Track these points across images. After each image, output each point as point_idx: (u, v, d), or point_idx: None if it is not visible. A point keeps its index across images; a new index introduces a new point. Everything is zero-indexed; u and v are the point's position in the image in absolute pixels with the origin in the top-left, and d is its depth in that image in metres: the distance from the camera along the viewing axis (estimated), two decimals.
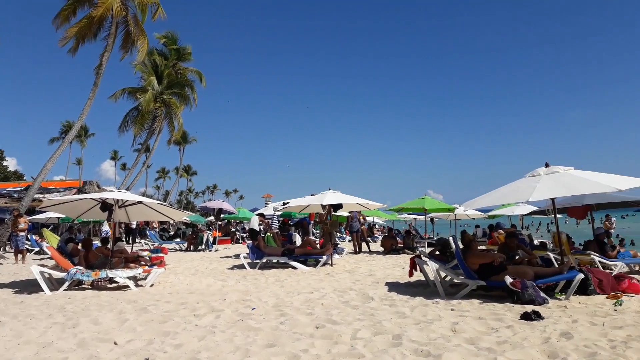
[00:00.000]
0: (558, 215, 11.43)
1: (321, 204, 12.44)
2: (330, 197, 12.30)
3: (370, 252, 15.86)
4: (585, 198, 11.08)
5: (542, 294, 6.15)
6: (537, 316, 5.12)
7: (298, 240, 13.98)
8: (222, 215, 22.30)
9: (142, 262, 9.13)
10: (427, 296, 6.68)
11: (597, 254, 9.68)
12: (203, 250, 18.35)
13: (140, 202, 9.59)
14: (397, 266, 11.15)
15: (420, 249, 14.32)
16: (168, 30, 31.76)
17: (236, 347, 4.17)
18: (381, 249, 16.15)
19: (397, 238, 17.87)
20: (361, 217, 17.43)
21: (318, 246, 12.74)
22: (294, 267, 10.55)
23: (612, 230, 18.93)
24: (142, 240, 21.83)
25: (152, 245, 19.59)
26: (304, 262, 10.97)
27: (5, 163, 54.70)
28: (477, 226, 21.75)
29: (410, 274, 8.13)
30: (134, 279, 8.44)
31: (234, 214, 23.75)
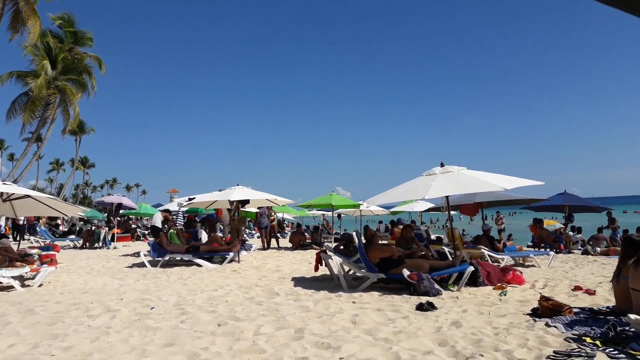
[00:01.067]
0: (453, 212, 12.27)
1: (229, 200, 12.25)
2: (238, 192, 12.15)
3: (279, 248, 15.92)
4: (476, 196, 12.00)
5: (437, 286, 6.57)
6: (430, 307, 5.46)
7: (204, 237, 13.63)
8: (121, 211, 21.11)
9: (30, 261, 8.40)
10: (331, 290, 6.85)
11: (486, 248, 10.53)
12: (100, 247, 17.24)
13: (28, 196, 8.81)
14: (305, 261, 11.30)
15: (326, 244, 14.62)
16: (64, 12, 29.33)
17: (132, 347, 3.98)
18: (290, 245, 16.27)
19: (306, 234, 18.12)
20: (273, 213, 17.43)
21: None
22: (199, 265, 10.28)
23: (503, 226, 20.67)
24: (32, 237, 20.02)
25: (43, 242, 18.06)
26: (210, 260, 10.73)
27: None
28: (380, 222, 22.73)
29: (316, 269, 8.29)
30: (20, 278, 7.75)
31: (135, 209, 22.61)
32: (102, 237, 17.48)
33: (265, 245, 15.36)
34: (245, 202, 12.92)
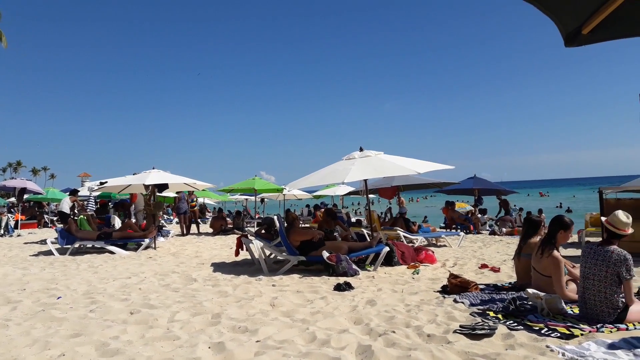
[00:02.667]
0: (372, 195, 12.61)
1: (144, 184, 11.72)
2: (154, 176, 11.65)
3: (199, 233, 15.54)
4: (393, 180, 12.44)
5: (354, 266, 6.75)
6: (348, 287, 5.60)
7: (117, 223, 12.97)
8: (25, 196, 19.51)
9: None
10: (251, 274, 6.80)
11: (402, 230, 10.96)
12: (2, 235, 15.87)
13: None
14: (225, 247, 11.13)
15: (247, 228, 14.49)
16: None
17: (34, 339, 3.70)
18: (211, 230, 15.94)
19: (228, 219, 17.84)
20: (194, 198, 16.94)
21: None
22: (112, 252, 9.78)
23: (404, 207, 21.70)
24: None
25: None
26: (124, 247, 10.25)
27: None
28: (307, 205, 22.89)
29: (237, 253, 8.20)
30: None
31: (41, 194, 21.01)
32: (3, 224, 16.09)
33: (185, 231, 14.93)
34: (163, 186, 12.44)
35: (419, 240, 10.68)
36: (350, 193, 19.93)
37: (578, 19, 2.13)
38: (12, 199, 23.61)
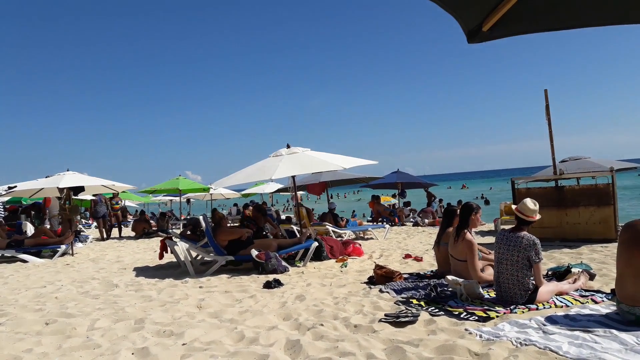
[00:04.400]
0: (301, 192, 12.67)
1: (58, 187, 11.00)
2: (69, 178, 10.97)
3: (121, 237, 14.83)
4: (321, 176, 12.60)
5: (284, 263, 6.77)
6: (277, 283, 5.60)
7: (30, 229, 12.09)
8: None
9: None
10: (177, 277, 6.61)
11: (331, 225, 11.13)
12: None
13: None
14: (149, 250, 10.72)
15: (172, 230, 14.05)
16: None
17: None
18: (133, 234, 15.27)
19: (152, 221, 17.18)
20: (119, 200, 16.10)
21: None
22: (24, 261, 9.09)
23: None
24: None
25: None
26: (38, 254, 9.56)
27: None
28: (235, 204, 22.55)
29: (161, 257, 7.93)
30: None
31: None
32: None
33: (104, 236, 14.18)
34: (79, 189, 11.75)
35: (347, 234, 10.91)
36: (279, 190, 19.91)
37: (478, 16, 2.27)
38: None
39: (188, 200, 24.43)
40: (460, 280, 4.50)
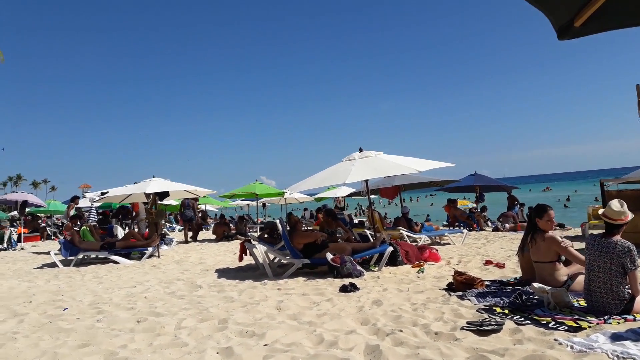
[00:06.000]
0: (373, 196, 12.60)
1: (145, 193, 11.72)
2: (155, 185, 11.65)
3: (202, 240, 15.53)
4: (394, 179, 12.44)
5: (359, 267, 6.75)
6: (353, 288, 5.60)
7: (120, 232, 12.98)
8: (27, 209, 19.52)
9: None
10: (256, 279, 6.80)
11: (405, 229, 10.96)
12: (5, 249, 15.87)
13: None
14: (229, 252, 11.12)
15: (250, 233, 14.48)
16: None
17: (42, 351, 3.71)
18: (213, 237, 15.92)
19: (231, 225, 17.83)
20: (197, 205, 16.93)
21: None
22: (116, 262, 9.78)
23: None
24: None
25: None
26: (127, 256, 10.24)
27: None
28: (305, 209, 22.86)
29: (240, 259, 8.19)
30: None
31: (42, 207, 21.02)
32: (6, 238, 16.10)
33: (189, 238, 14.91)
34: (164, 194, 12.44)
35: (423, 239, 10.69)
36: (351, 194, 19.94)
37: (569, 12, 2.14)
38: (14, 213, 23.62)
39: (264, 205, 25.11)
40: (548, 287, 4.25)
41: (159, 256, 10.57)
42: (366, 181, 8.60)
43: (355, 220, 14.64)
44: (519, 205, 17.42)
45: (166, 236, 14.16)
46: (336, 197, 23.04)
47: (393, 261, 7.43)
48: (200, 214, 16.77)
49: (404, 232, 10.64)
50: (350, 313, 4.46)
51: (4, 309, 5.47)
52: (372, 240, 8.74)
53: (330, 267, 6.81)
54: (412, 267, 7.28)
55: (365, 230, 11.35)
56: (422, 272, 6.76)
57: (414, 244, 9.10)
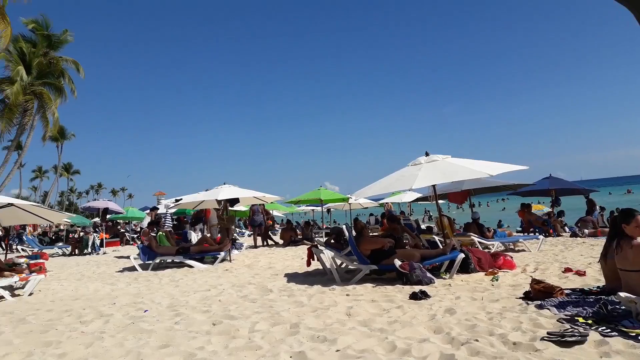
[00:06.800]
0: (441, 201, 12.32)
1: (216, 199, 12.18)
2: (226, 191, 12.08)
3: (270, 245, 15.87)
4: (463, 184, 12.08)
5: (429, 274, 6.61)
6: (424, 295, 5.50)
7: (194, 237, 13.55)
8: (108, 216, 20.88)
9: (18, 270, 8.26)
10: (324, 284, 6.85)
11: (476, 235, 10.61)
12: (89, 253, 17.05)
13: (11, 205, 8.67)
14: (297, 257, 11.29)
15: (317, 239, 14.62)
16: (40, 13, 28.82)
17: (127, 351, 3.95)
18: (281, 242, 16.23)
19: (297, 230, 18.09)
20: (264, 210, 17.36)
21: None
22: (190, 266, 10.22)
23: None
24: (19, 246, 19.72)
25: (31, 251, 17.82)
26: (201, 260, 10.67)
27: None
28: (371, 214, 22.75)
29: (308, 264, 8.29)
30: (10, 288, 7.61)
31: (122, 213, 22.39)
32: (90, 243, 17.30)
33: (262, 243, 15.30)
34: (234, 201, 12.86)
35: (495, 245, 10.30)
36: (418, 199, 19.59)
37: None
38: (96, 219, 25.33)
39: (328, 210, 25.26)
40: (636, 297, 3.96)
41: (230, 260, 10.92)
42: (434, 186, 8.42)
43: (423, 226, 14.35)
44: (599, 210, 16.36)
45: (236, 241, 14.62)
46: (386, 203, 22.75)
47: (464, 268, 7.21)
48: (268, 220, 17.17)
49: (476, 239, 10.30)
50: (422, 321, 4.39)
51: (91, 310, 5.88)
52: (441, 246, 8.54)
53: (398, 274, 6.73)
54: (486, 274, 7.04)
55: (434, 236, 11.10)
56: (497, 280, 6.52)
57: (486, 250, 8.79)
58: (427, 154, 8.14)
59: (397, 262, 6.63)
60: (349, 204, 21.39)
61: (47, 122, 29.00)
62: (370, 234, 9.31)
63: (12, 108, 26.28)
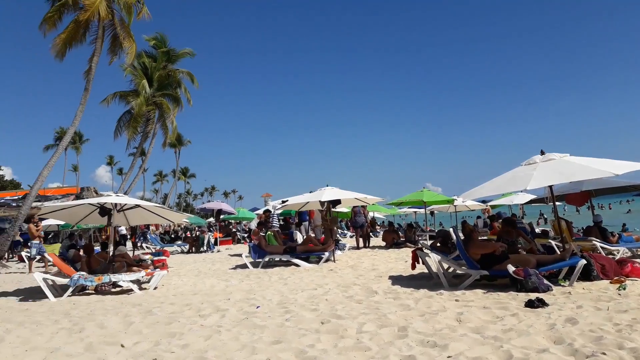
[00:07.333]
0: (557, 203, 11.47)
1: (320, 201, 12.45)
2: (329, 193, 12.32)
3: (372, 247, 15.87)
4: (583, 184, 11.13)
5: (546, 281, 6.18)
6: (541, 303, 5.15)
7: (299, 238, 13.99)
8: (221, 216, 22.28)
9: (144, 266, 9.13)
10: (430, 288, 6.69)
11: (598, 240, 9.71)
12: (205, 251, 18.35)
13: (138, 206, 9.59)
14: (400, 260, 11.16)
15: (421, 241, 14.33)
16: (157, 32, 31.59)
17: (242, 345, 4.18)
18: (382, 244, 16.15)
19: (399, 232, 17.88)
20: (366, 212, 17.43)
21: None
22: (297, 265, 10.56)
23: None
24: (144, 244, 21.83)
25: (154, 248, 19.61)
26: (306, 259, 10.98)
27: (0, 172, 54.23)
28: (478, 217, 21.76)
29: (413, 267, 8.15)
30: (137, 282, 8.43)
31: (234, 214, 23.76)
32: (206, 241, 18.60)
33: (362, 244, 15.38)
34: (336, 202, 13.04)
35: (621, 251, 9.36)
36: (531, 201, 18.39)
37: None
38: (211, 219, 27.16)
39: (432, 212, 24.62)
40: None
41: (334, 261, 11.10)
42: (550, 187, 7.85)
43: (537, 230, 13.44)
44: None
45: (339, 242, 14.82)
46: (486, 207, 21.54)
47: (586, 276, 6.63)
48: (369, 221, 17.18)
49: (598, 244, 9.42)
50: (540, 330, 4.11)
51: (208, 305, 6.31)
52: (558, 251, 7.94)
53: (512, 280, 6.37)
54: (611, 282, 6.42)
55: (550, 240, 10.35)
56: (624, 288, 5.91)
57: (611, 256, 8.01)
58: (542, 153, 7.61)
59: (511, 268, 6.27)
60: (454, 205, 20.66)
61: (166, 129, 31.70)
62: (480, 238, 8.92)
63: (137, 118, 29.15)
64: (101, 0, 19.60)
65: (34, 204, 19.10)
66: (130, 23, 22.00)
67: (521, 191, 13.46)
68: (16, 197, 29.36)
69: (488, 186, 7.98)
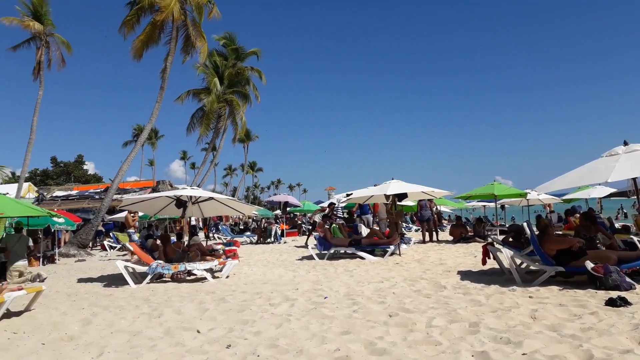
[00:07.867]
0: None
1: (385, 194, 12.38)
2: (394, 186, 12.20)
3: (439, 241, 15.57)
4: None
5: (628, 279, 5.81)
6: (623, 302, 4.86)
7: (364, 231, 14.00)
8: (288, 209, 22.74)
9: (217, 255, 9.54)
10: (502, 284, 6.50)
11: None
12: (272, 242, 18.84)
13: (211, 198, 10.02)
14: (469, 255, 10.89)
15: (492, 236, 13.87)
16: (226, 32, 32.63)
17: (312, 334, 4.29)
18: (449, 238, 15.81)
19: (467, 226, 17.42)
20: (433, 206, 17.12)
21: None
22: (362, 258, 10.60)
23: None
24: (215, 235, 22.75)
25: (225, 239, 20.39)
26: (372, 253, 10.98)
27: (85, 167, 58.35)
28: (552, 211, 20.72)
29: (484, 262, 7.94)
30: (211, 271, 8.83)
31: (299, 207, 24.17)
32: (273, 233, 19.10)
33: (428, 238, 15.16)
34: (402, 196, 12.92)
35: None
36: (610, 195, 17.26)
37: None
38: (277, 212, 27.79)
39: (502, 206, 23.72)
40: None
41: (400, 254, 11.03)
42: (634, 179, 7.36)
43: (617, 225, 12.63)
44: None
45: (404, 235, 14.68)
46: (547, 204, 20.31)
47: None
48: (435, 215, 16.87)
49: None
50: (622, 330, 3.89)
51: (278, 294, 6.51)
52: None
53: (590, 277, 6.04)
54: None
55: (632, 236, 9.69)
56: None
57: None
58: (625, 143, 7.13)
59: (589, 265, 5.96)
60: (527, 199, 19.78)
61: (236, 125, 32.76)
62: (555, 233, 8.52)
63: (209, 114, 30.36)
64: (175, 2, 20.51)
65: (115, 197, 20.46)
66: (201, 23, 22.89)
67: (598, 184, 12.66)
68: (99, 190, 31.45)
69: (564, 179, 7.60)
